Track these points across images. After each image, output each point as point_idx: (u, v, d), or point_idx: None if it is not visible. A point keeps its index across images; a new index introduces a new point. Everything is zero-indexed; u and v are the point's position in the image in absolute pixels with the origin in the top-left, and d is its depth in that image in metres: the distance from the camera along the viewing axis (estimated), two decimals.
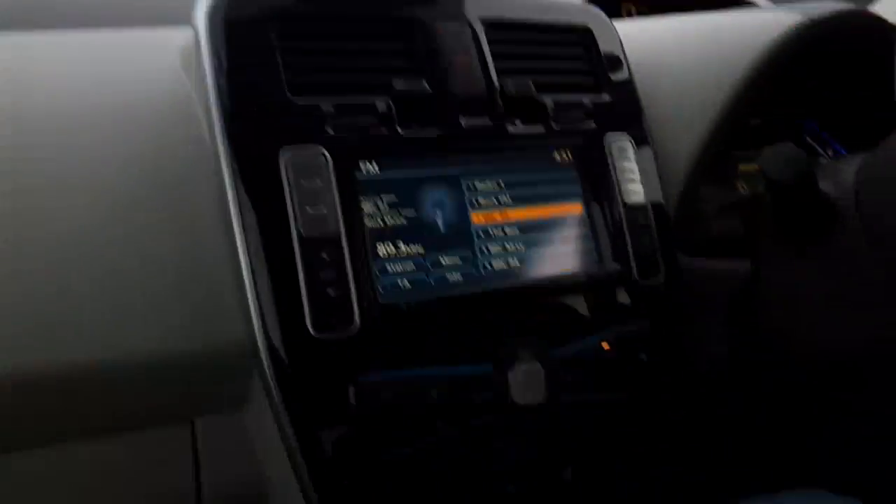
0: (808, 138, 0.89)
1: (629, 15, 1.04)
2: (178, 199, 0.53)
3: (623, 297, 0.64)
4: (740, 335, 0.76)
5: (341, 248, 0.53)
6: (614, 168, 0.65)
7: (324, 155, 0.54)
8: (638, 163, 0.66)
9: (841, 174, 0.69)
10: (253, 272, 0.51)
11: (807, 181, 0.64)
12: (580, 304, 0.62)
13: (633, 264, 0.64)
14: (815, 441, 0.93)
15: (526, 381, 0.57)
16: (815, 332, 0.73)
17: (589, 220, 0.64)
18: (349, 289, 0.52)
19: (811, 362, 0.76)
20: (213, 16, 0.54)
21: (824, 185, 0.69)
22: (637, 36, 0.76)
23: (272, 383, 0.51)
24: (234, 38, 0.54)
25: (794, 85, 0.84)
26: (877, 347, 0.72)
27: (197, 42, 0.55)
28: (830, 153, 0.90)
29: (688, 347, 0.71)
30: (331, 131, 0.55)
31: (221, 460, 0.55)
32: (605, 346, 0.62)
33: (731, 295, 0.74)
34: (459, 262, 0.58)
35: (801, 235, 0.70)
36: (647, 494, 0.70)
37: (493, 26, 0.64)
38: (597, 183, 0.64)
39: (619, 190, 0.64)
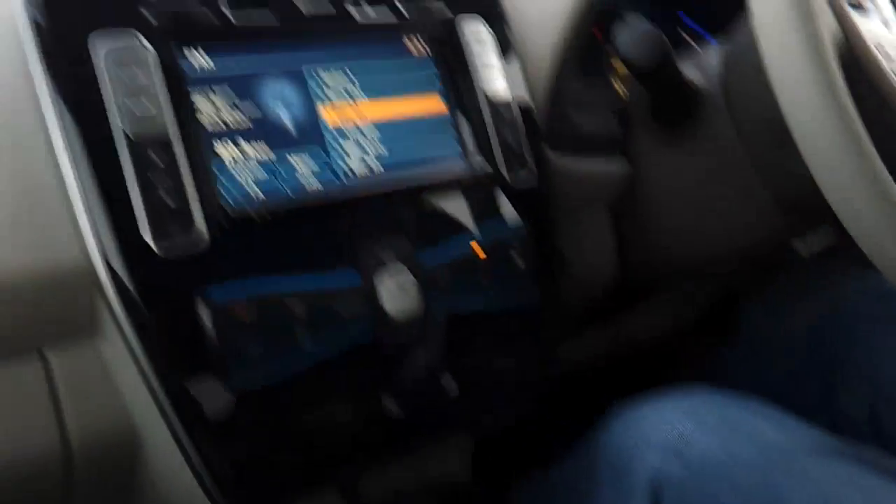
0: (678, 30, 0.89)
1: None
2: None
3: (491, 197, 0.61)
4: (623, 236, 0.75)
5: (173, 149, 0.47)
6: (473, 59, 0.61)
7: (144, 45, 0.47)
8: (498, 53, 0.63)
9: (706, 62, 0.69)
10: (80, 182, 0.45)
11: (668, 64, 0.63)
12: (446, 205, 0.58)
13: (500, 163, 0.61)
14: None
15: (397, 290, 0.53)
16: (691, 227, 0.73)
17: (450, 115, 0.60)
18: (186, 195, 0.47)
19: (692, 260, 0.77)
20: None
21: (690, 73, 0.68)
22: None
23: (116, 306, 0.45)
24: None
25: None
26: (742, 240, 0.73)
27: None
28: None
29: (568, 252, 0.69)
30: (150, 18, 0.48)
31: (82, 392, 0.49)
32: (477, 248, 0.59)
33: (610, 197, 0.74)
34: (313, 165, 0.53)
35: (670, 126, 0.70)
36: (527, 402, 0.68)
37: None
38: (454, 74, 0.61)
39: (480, 81, 0.61)
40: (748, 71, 0.64)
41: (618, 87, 0.79)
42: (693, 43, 0.87)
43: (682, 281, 0.91)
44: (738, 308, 0.91)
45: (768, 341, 0.86)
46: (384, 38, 0.58)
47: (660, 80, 0.65)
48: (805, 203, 0.61)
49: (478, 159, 0.60)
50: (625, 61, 0.63)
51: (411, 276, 0.54)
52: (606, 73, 0.80)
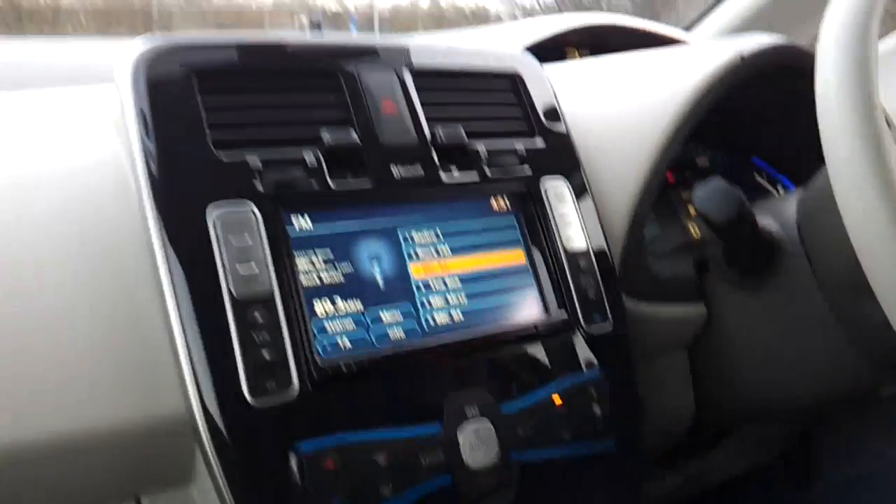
0: (756, 176, 0.90)
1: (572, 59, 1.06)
2: (110, 265, 0.51)
3: (570, 346, 0.62)
4: (701, 380, 0.75)
5: (275, 307, 0.50)
6: (552, 213, 0.64)
7: (252, 211, 0.52)
8: (576, 207, 0.65)
9: (783, 210, 0.70)
10: (185, 337, 0.48)
11: (744, 218, 0.65)
12: (527, 356, 0.60)
13: (578, 311, 0.62)
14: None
15: (477, 441, 0.55)
16: (771, 374, 0.72)
17: (531, 268, 0.62)
18: (286, 350, 0.50)
19: (772, 404, 0.75)
20: (135, 72, 0.53)
21: (767, 222, 0.69)
22: (573, 78, 0.77)
23: (211, 456, 0.48)
24: (157, 94, 0.53)
25: (737, 121, 0.85)
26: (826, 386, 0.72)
27: (120, 99, 0.53)
28: (780, 189, 0.91)
29: (647, 397, 0.69)
30: (259, 187, 0.53)
31: None
32: (555, 396, 0.60)
33: (688, 341, 0.74)
34: (401, 317, 0.56)
35: (749, 274, 0.70)
36: None
37: (421, 74, 0.63)
38: (535, 229, 0.63)
39: (559, 235, 0.63)
40: (824, 218, 0.65)
41: (692, 229, 0.81)
42: (771, 188, 0.88)
43: (759, 423, 0.89)
44: (814, 448, 0.88)
45: (846, 483, 0.82)
46: (471, 197, 0.62)
47: (736, 232, 0.66)
48: (889, 355, 0.60)
49: (556, 308, 0.62)
50: (702, 216, 0.65)
51: (491, 427, 0.55)
52: (680, 217, 0.82)
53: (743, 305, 0.71)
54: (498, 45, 0.99)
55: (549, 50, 0.84)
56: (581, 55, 1.04)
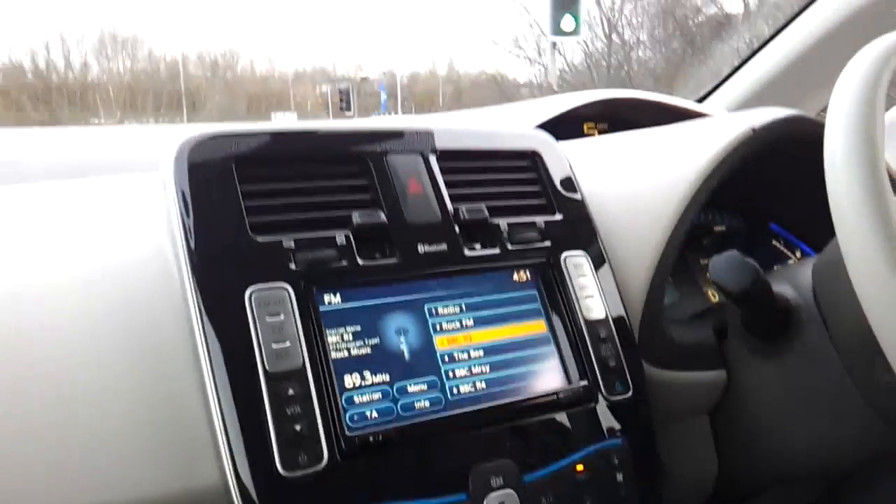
0: (774, 242, 0.92)
1: (591, 134, 1.10)
2: (150, 342, 0.54)
3: (592, 414, 0.63)
4: (724, 445, 0.75)
5: (307, 380, 0.53)
6: (572, 284, 0.66)
7: (286, 290, 0.55)
8: (595, 277, 0.68)
9: (799, 276, 0.72)
10: (221, 411, 0.51)
11: (760, 287, 0.66)
12: (550, 424, 0.61)
13: (599, 379, 0.64)
14: None
15: None
16: (792, 437, 0.73)
17: (552, 338, 0.64)
18: (316, 422, 0.52)
19: (795, 466, 0.76)
20: (178, 160, 0.57)
21: (783, 289, 0.71)
22: (589, 154, 0.80)
23: None
24: (198, 181, 0.57)
25: (754, 189, 0.87)
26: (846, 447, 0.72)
27: (164, 186, 0.57)
28: (799, 254, 0.93)
29: (668, 462, 0.70)
30: (293, 266, 0.56)
31: None
32: (580, 467, 0.61)
33: (709, 406, 0.75)
34: (426, 388, 0.58)
35: (767, 340, 0.71)
36: None
37: (445, 156, 0.67)
38: (556, 300, 0.66)
39: (579, 305, 0.65)
40: (838, 285, 0.65)
41: (710, 295, 0.82)
42: (790, 253, 0.89)
43: (783, 485, 0.88)
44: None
45: None
46: (493, 270, 0.64)
47: (752, 301, 0.67)
48: None
49: (577, 376, 0.63)
50: (718, 286, 0.67)
51: (516, 497, 0.56)
52: (698, 283, 0.83)
53: (762, 370, 0.72)
54: (515, 124, 1.03)
55: (566, 125, 0.87)
56: (599, 129, 1.08)
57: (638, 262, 0.70)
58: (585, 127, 1.10)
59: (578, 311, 0.65)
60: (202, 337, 0.52)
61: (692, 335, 0.74)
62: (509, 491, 0.56)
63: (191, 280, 0.53)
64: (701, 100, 1.28)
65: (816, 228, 0.80)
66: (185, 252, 0.54)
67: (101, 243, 0.58)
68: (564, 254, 0.67)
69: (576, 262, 0.67)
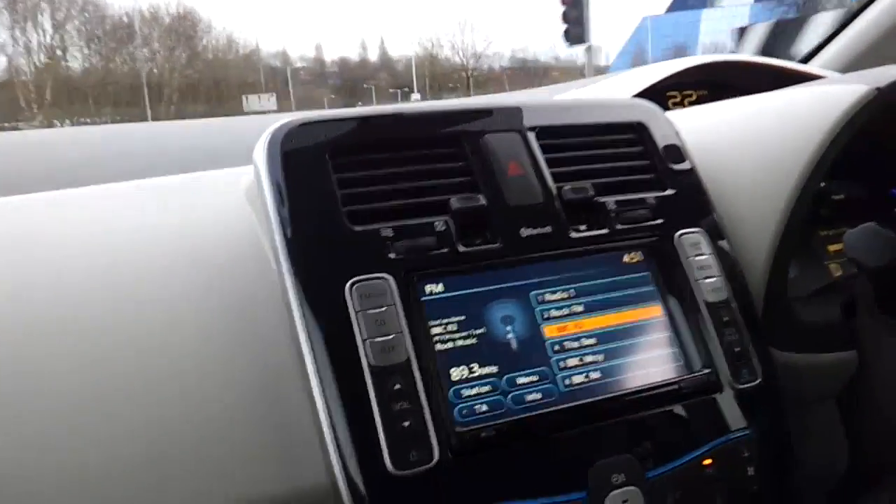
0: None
1: (677, 106, 1.03)
2: (251, 338, 0.53)
3: (717, 404, 0.58)
4: (853, 427, 0.70)
5: (413, 375, 0.50)
6: (688, 264, 0.61)
7: (387, 280, 0.52)
8: (714, 255, 0.62)
9: None
10: (328, 408, 0.49)
11: None
12: (672, 417, 0.57)
13: (724, 366, 0.59)
14: None
15: None
16: None
17: (670, 323, 0.60)
18: (425, 418, 0.49)
19: None
20: (271, 149, 0.56)
21: None
22: (698, 123, 0.74)
23: None
24: (293, 170, 0.55)
25: (872, 154, 0.80)
26: None
27: (258, 176, 0.56)
28: None
29: (798, 450, 0.65)
30: (392, 256, 0.53)
31: None
32: (707, 461, 0.56)
33: (841, 390, 0.69)
34: (536, 380, 0.54)
35: None
36: None
37: (544, 133, 0.63)
38: (672, 282, 0.61)
39: (697, 287, 0.60)
40: None
41: (831, 269, 0.76)
42: None
43: None
44: None
45: None
46: (601, 253, 0.60)
47: (890, 277, 0.62)
48: None
49: (699, 363, 0.59)
50: (854, 262, 0.61)
51: (639, 494, 0.52)
52: (819, 257, 0.77)
53: (894, 348, 0.66)
54: (611, 95, 0.98)
55: (648, 96, 0.82)
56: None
57: (759, 237, 0.65)
58: (669, 99, 1.03)
59: (697, 293, 0.60)
60: (305, 333, 0.50)
61: (819, 314, 0.68)
62: (633, 488, 0.52)
63: (290, 272, 0.52)
64: (804, 60, 1.20)
65: None
66: (283, 243, 0.52)
67: (199, 232, 0.58)
68: (679, 231, 0.62)
69: (692, 240, 0.62)
